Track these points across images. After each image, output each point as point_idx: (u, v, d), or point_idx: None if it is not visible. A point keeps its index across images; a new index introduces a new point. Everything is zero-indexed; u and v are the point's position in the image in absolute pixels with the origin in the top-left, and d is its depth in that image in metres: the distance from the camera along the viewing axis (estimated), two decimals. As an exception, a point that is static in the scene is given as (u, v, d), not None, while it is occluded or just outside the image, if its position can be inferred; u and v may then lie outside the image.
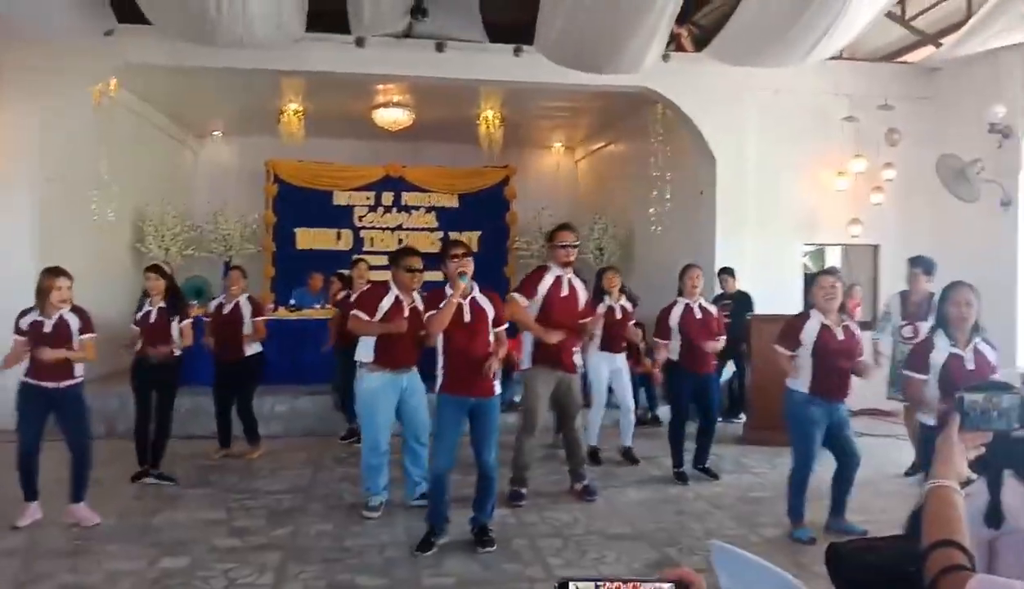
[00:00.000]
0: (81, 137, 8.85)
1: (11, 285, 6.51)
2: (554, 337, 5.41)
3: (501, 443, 4.95)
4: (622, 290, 7.09)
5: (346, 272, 8.50)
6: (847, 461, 5.05)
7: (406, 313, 5.21)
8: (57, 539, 4.77)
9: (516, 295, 5.55)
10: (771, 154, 8.99)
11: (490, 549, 4.57)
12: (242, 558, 4.47)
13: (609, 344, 6.82)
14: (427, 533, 4.62)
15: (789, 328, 5.07)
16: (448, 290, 4.68)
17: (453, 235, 12.52)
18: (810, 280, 5.65)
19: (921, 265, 6.56)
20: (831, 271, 5.33)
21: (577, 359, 5.75)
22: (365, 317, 5.22)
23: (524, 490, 5.64)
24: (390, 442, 5.37)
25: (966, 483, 1.60)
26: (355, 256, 8.33)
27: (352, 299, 7.40)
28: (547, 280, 5.56)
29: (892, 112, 9.00)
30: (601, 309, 6.74)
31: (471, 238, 12.48)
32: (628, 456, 6.90)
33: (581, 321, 5.74)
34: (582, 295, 5.71)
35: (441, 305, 4.61)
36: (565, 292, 5.57)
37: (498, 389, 4.71)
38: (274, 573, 4.25)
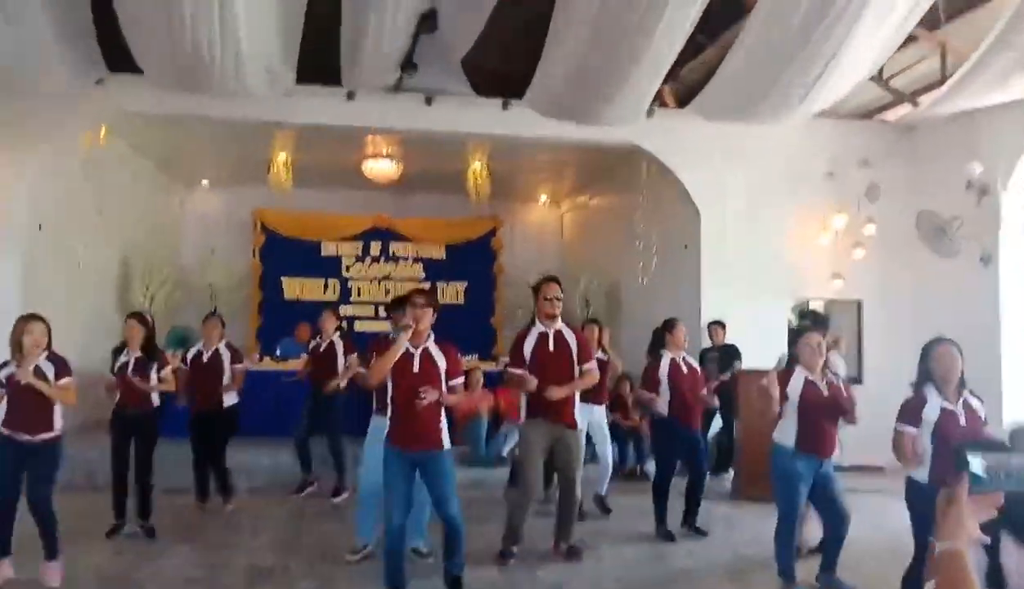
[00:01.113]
0: (70, 185, 8.86)
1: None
2: (557, 393, 5.26)
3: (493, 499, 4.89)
4: (601, 344, 7.10)
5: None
6: (836, 522, 5.03)
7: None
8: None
9: (510, 369, 5.54)
10: (754, 209, 9.13)
11: None
12: (224, 618, 4.35)
13: (589, 396, 6.79)
14: None
15: (781, 375, 5.09)
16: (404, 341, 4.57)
17: (440, 286, 12.60)
18: (795, 336, 5.69)
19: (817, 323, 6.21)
20: (817, 326, 5.38)
21: (579, 416, 5.56)
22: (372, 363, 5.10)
23: (515, 548, 5.52)
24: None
25: (994, 544, 1.59)
26: (326, 307, 8.24)
27: (322, 349, 7.46)
28: (530, 341, 5.48)
29: (872, 169, 9.21)
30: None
31: (458, 290, 12.53)
32: (601, 505, 6.88)
33: (584, 367, 5.51)
34: (574, 346, 5.52)
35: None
36: (552, 347, 5.45)
37: (446, 443, 4.57)
38: (257, 634, 4.14)
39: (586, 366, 5.53)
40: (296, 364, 9.09)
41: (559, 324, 5.54)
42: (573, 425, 5.49)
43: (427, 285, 12.68)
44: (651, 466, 7.91)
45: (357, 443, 5.94)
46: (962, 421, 4.32)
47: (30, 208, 8.17)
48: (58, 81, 7.50)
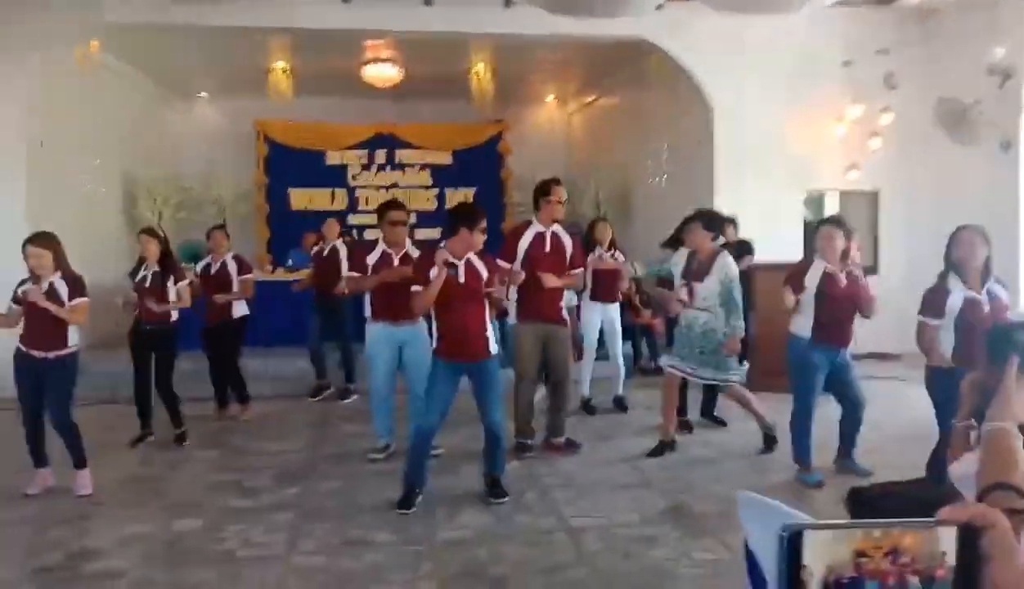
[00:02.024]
0: (67, 101, 8.68)
1: (3, 253, 6.41)
2: (551, 281, 5.36)
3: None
4: (613, 242, 7.05)
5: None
6: (852, 407, 5.14)
7: (396, 263, 5.33)
8: (68, 506, 4.74)
9: (503, 262, 5.44)
10: (768, 102, 8.87)
11: (503, 500, 4.60)
12: (255, 518, 4.47)
13: (601, 294, 6.79)
14: (406, 490, 4.55)
15: (794, 272, 5.10)
16: (439, 254, 4.54)
17: (448, 192, 12.46)
18: (812, 230, 5.61)
19: (700, 218, 5.61)
20: (832, 220, 5.32)
21: (591, 313, 5.71)
22: (356, 274, 5.48)
23: (530, 441, 5.66)
24: (394, 390, 5.54)
25: None
26: (332, 217, 8.25)
27: (325, 254, 7.52)
28: (527, 237, 5.49)
29: (889, 57, 8.88)
30: (591, 260, 6.68)
31: (467, 195, 12.39)
32: (619, 404, 6.96)
33: (572, 272, 5.61)
34: (568, 247, 5.59)
35: (432, 275, 4.46)
36: (548, 248, 5.49)
37: (494, 349, 4.65)
38: (287, 532, 4.26)
39: (575, 271, 5.63)
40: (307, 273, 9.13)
41: (555, 225, 5.57)
42: (563, 322, 5.64)
43: (435, 192, 12.57)
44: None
45: (360, 349, 6.02)
46: (986, 309, 4.32)
47: (27, 126, 8.02)
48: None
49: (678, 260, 5.60)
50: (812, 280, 4.95)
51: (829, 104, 9.05)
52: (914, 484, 3.06)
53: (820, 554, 0.66)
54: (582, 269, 5.78)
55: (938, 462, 4.39)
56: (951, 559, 0.67)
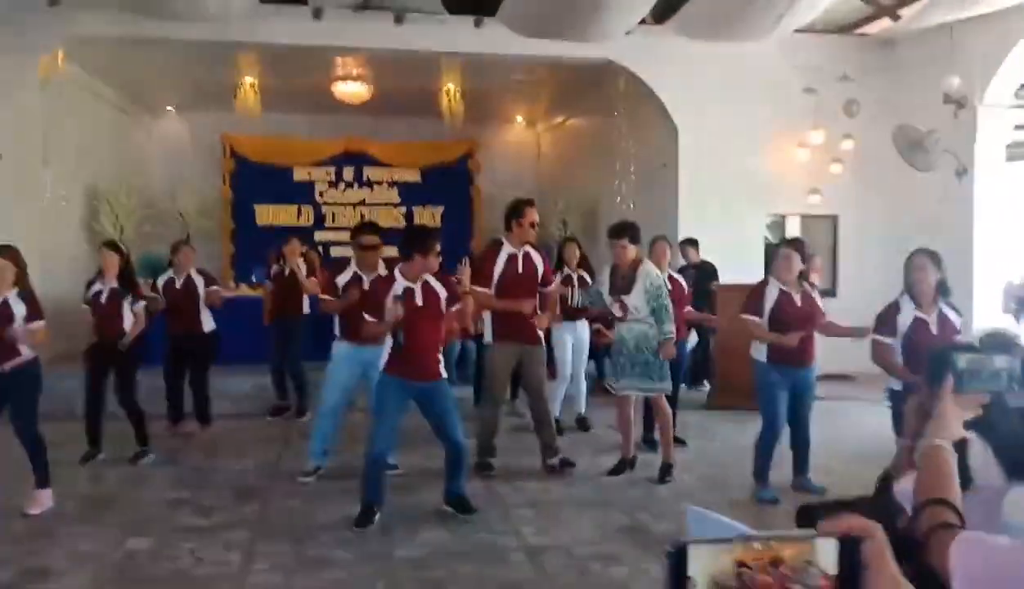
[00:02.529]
0: (28, 114, 8.55)
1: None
2: (527, 306, 5.40)
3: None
4: (581, 263, 7.11)
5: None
6: (799, 427, 5.25)
7: (366, 286, 5.17)
8: (18, 523, 4.63)
9: (476, 288, 5.58)
10: (733, 125, 9.05)
11: (469, 515, 4.61)
12: (209, 537, 4.40)
13: (573, 314, 6.84)
14: (364, 508, 4.52)
15: (752, 295, 5.20)
16: (397, 274, 4.60)
17: (416, 210, 12.46)
18: (772, 251, 5.73)
19: (627, 233, 5.50)
20: (791, 241, 5.46)
21: (564, 333, 5.80)
22: (327, 297, 5.46)
23: (492, 460, 5.64)
24: (342, 411, 5.53)
25: (960, 443, 1.61)
26: (295, 234, 8.14)
27: (286, 274, 7.47)
28: (500, 260, 5.49)
29: (851, 84, 9.12)
30: (559, 279, 6.72)
31: (434, 214, 12.40)
32: (581, 424, 6.99)
33: (546, 289, 5.70)
34: (540, 267, 5.63)
35: (388, 303, 4.46)
36: (521, 268, 5.51)
37: (443, 373, 4.69)
38: (241, 551, 4.19)
39: (547, 289, 5.72)
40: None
41: (526, 245, 5.58)
42: (539, 342, 5.67)
43: (403, 210, 12.56)
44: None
45: (319, 368, 5.97)
46: (934, 330, 4.45)
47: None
48: (8, 1, 7.18)
49: (603, 278, 5.64)
50: (768, 300, 5.06)
51: (792, 129, 9.25)
52: (862, 501, 3.10)
53: (705, 566, 0.69)
54: (555, 284, 5.84)
55: (889, 479, 4.49)
56: (830, 569, 0.70)
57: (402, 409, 4.62)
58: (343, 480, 5.33)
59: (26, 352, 4.79)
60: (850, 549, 0.71)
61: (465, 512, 4.64)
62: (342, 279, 5.42)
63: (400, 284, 4.60)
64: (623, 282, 5.40)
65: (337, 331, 5.51)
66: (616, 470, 5.56)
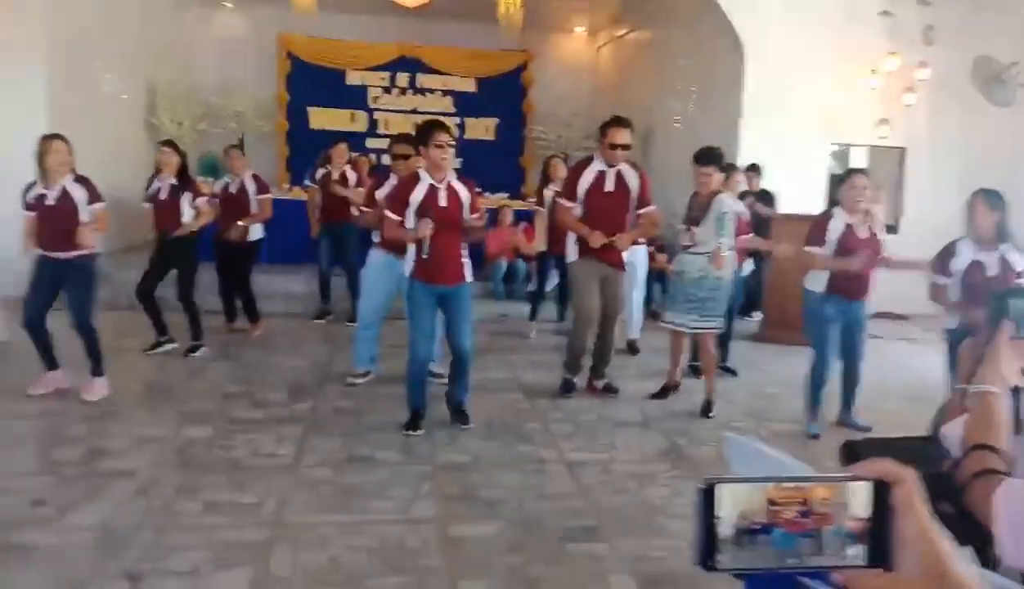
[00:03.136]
0: (89, 6, 8.57)
1: (26, 158, 6.45)
2: (597, 240, 5.12)
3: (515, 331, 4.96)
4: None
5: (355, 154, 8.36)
6: (851, 362, 5.16)
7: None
8: (84, 407, 4.88)
9: (562, 201, 5.37)
10: (801, 48, 8.66)
11: (465, 426, 4.73)
12: (263, 429, 4.60)
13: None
14: (412, 415, 4.69)
15: (816, 227, 5.02)
16: (423, 173, 4.55)
17: (469, 121, 12.33)
18: (840, 178, 5.49)
19: (716, 161, 5.30)
20: (861, 171, 5.22)
21: (626, 255, 5.42)
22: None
23: (575, 380, 5.62)
24: (382, 320, 5.62)
25: (1016, 390, 1.59)
26: (344, 139, 7.94)
27: (334, 178, 7.38)
28: (587, 176, 5.24)
29: (930, 8, 8.62)
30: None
31: (488, 126, 12.27)
32: (631, 347, 6.99)
33: (643, 210, 5.31)
34: (634, 188, 5.26)
35: (411, 202, 4.48)
36: (610, 187, 5.21)
37: (468, 277, 4.67)
38: (295, 444, 4.38)
39: (645, 210, 5.34)
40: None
41: (622, 165, 5.26)
42: (621, 267, 5.42)
43: (456, 121, 12.42)
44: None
45: None
46: (991, 271, 4.34)
47: (51, 29, 7.96)
48: None
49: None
50: (832, 232, 4.93)
51: (864, 55, 8.81)
52: (907, 441, 3.10)
53: (736, 502, 0.70)
54: (654, 207, 5.39)
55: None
56: (861, 512, 0.71)
57: (434, 311, 4.65)
58: (391, 384, 5.49)
59: (88, 243, 4.92)
60: (883, 493, 0.71)
61: (460, 422, 4.77)
62: (382, 192, 5.37)
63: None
64: (698, 211, 5.24)
65: (375, 237, 5.51)
66: (659, 394, 5.61)
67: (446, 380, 5.26)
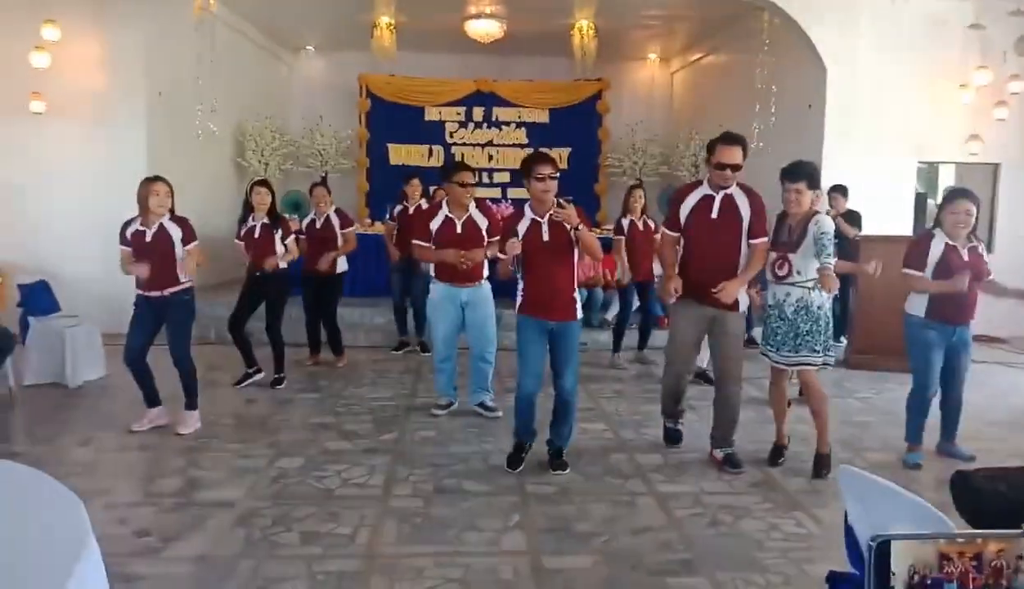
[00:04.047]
0: (183, 53, 9.04)
1: (126, 198, 6.79)
2: (671, 285, 4.54)
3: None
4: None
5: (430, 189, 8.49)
6: (952, 388, 4.93)
7: (458, 230, 5.36)
8: (182, 438, 5.07)
9: (664, 229, 4.83)
10: (886, 65, 8.45)
11: (561, 473, 4.49)
12: (353, 460, 4.67)
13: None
14: (516, 447, 4.62)
15: (915, 249, 4.82)
16: (527, 210, 4.45)
17: (544, 151, 12.40)
18: (944, 201, 5.22)
19: (806, 176, 4.55)
20: (964, 193, 4.90)
21: (742, 296, 4.59)
22: (423, 243, 5.47)
23: (679, 426, 5.10)
24: (455, 350, 5.68)
25: None
26: (414, 175, 8.15)
27: (410, 212, 7.58)
28: (690, 201, 4.57)
29: (1023, 19, 8.29)
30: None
31: (561, 155, 12.32)
32: (704, 376, 6.78)
33: (755, 241, 4.48)
34: (746, 215, 4.47)
35: (519, 232, 4.38)
36: (717, 213, 4.48)
37: (579, 314, 4.50)
38: (384, 475, 4.43)
39: (755, 241, 4.49)
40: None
41: (732, 188, 4.53)
42: (734, 306, 4.56)
43: (530, 151, 12.53)
44: (757, 332, 7.81)
45: None
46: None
47: (148, 76, 8.42)
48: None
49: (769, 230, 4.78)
50: (932, 255, 4.73)
51: (951, 69, 8.54)
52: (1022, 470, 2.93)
53: (906, 554, 0.68)
54: (766, 239, 4.54)
55: None
56: None
57: (544, 347, 4.52)
58: (473, 416, 5.53)
59: (184, 279, 5.13)
60: None
61: (558, 468, 4.53)
62: (435, 223, 5.42)
63: (443, 213, 5.37)
64: (790, 236, 4.50)
65: (432, 272, 5.61)
66: (772, 459, 4.82)
67: (499, 414, 5.45)
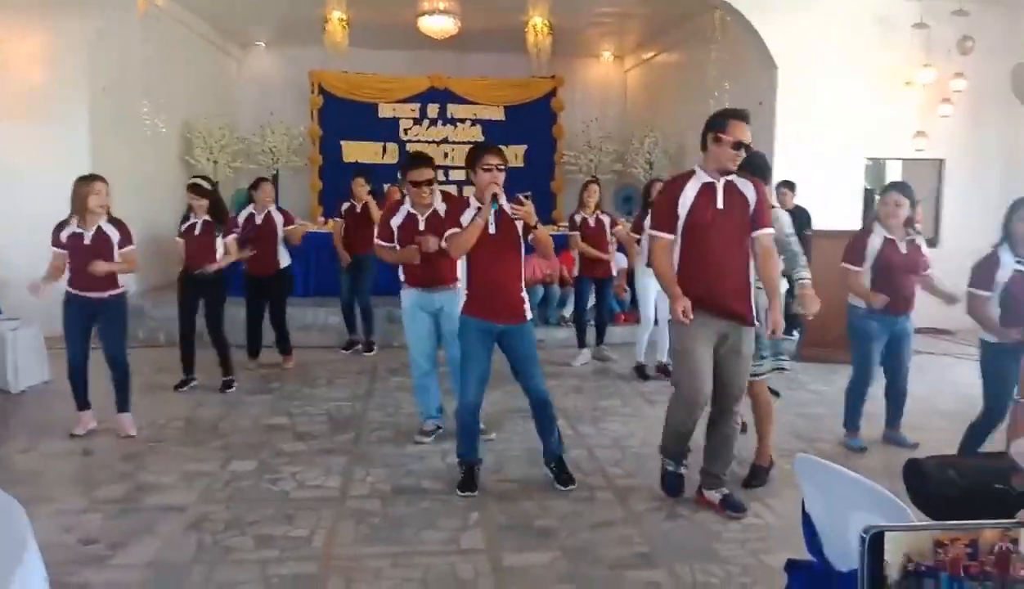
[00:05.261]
0: (128, 48, 8.81)
1: (67, 197, 6.59)
2: (679, 306, 3.68)
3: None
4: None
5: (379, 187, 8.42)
6: (894, 378, 5.10)
7: (421, 227, 4.84)
8: (128, 443, 4.93)
9: (656, 233, 3.88)
10: (834, 63, 8.61)
11: (571, 487, 4.18)
12: (308, 461, 4.59)
13: None
14: (466, 471, 4.21)
15: (854, 243, 4.98)
16: (472, 200, 4.17)
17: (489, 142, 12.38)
18: (879, 196, 5.39)
19: (747, 167, 4.00)
20: (898, 186, 5.07)
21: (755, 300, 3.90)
22: (384, 244, 4.97)
23: (682, 470, 4.17)
24: (436, 362, 5.06)
25: None
26: (362, 171, 8.01)
27: (357, 210, 7.52)
28: (689, 191, 3.79)
29: (965, 19, 8.52)
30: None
31: (517, 153, 12.30)
32: (664, 370, 6.84)
33: (759, 232, 3.81)
34: (752, 201, 3.80)
35: (462, 223, 4.07)
36: (721, 203, 3.76)
37: (528, 315, 4.20)
38: (341, 476, 4.36)
39: (761, 233, 3.81)
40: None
41: (731, 174, 3.83)
42: (748, 319, 3.83)
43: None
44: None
45: (393, 303, 6.03)
46: None
47: (91, 72, 8.17)
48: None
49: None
50: (871, 248, 4.86)
51: (899, 67, 8.74)
52: (976, 457, 3.01)
53: (900, 544, 0.67)
54: (770, 231, 3.86)
55: (978, 434, 4.36)
56: None
57: (489, 352, 4.19)
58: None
59: (121, 283, 5.03)
60: None
61: (564, 483, 4.21)
62: (396, 221, 4.95)
63: (405, 208, 4.94)
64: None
65: (401, 276, 5.06)
66: (749, 481, 4.37)
67: (492, 437, 5.00)
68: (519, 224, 4.10)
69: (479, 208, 4.04)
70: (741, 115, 3.78)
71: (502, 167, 4.10)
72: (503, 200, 4.06)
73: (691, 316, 3.66)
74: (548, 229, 4.99)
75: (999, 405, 4.30)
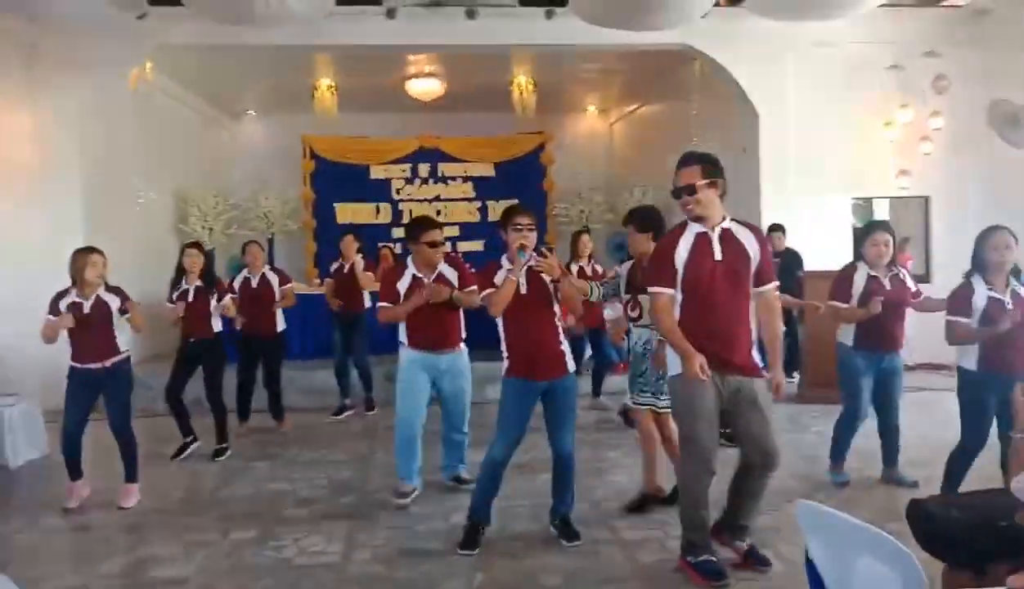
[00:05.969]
0: (120, 122, 8.96)
1: (63, 272, 6.63)
2: (695, 364, 3.52)
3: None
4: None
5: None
6: (885, 415, 5.14)
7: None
8: (126, 515, 4.88)
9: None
10: (814, 107, 8.81)
11: (576, 543, 4.16)
12: (310, 527, 4.55)
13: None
14: (470, 528, 4.17)
15: (840, 280, 5.09)
16: (504, 262, 4.19)
17: (490, 204, 12.53)
18: (862, 234, 5.48)
19: (633, 220, 4.69)
20: (880, 225, 5.18)
21: (756, 355, 3.75)
22: (388, 305, 4.92)
23: (711, 554, 3.77)
24: (423, 424, 5.00)
25: None
26: (351, 232, 8.03)
27: (345, 270, 7.58)
28: (683, 245, 3.66)
29: (939, 59, 8.74)
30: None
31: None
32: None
33: (762, 287, 3.71)
34: (755, 252, 3.66)
35: (496, 283, 4.09)
36: (719, 254, 3.62)
37: (571, 367, 4.20)
38: (343, 542, 4.31)
39: (766, 288, 3.72)
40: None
41: (726, 221, 3.69)
42: (754, 370, 3.70)
43: (477, 204, 12.64)
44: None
45: (389, 361, 5.98)
46: (1010, 307, 4.27)
47: (83, 148, 8.29)
48: (100, 17, 7.47)
49: (622, 272, 4.74)
50: (856, 285, 4.94)
51: (877, 108, 8.94)
52: (979, 495, 3.00)
53: None
54: (774, 286, 3.79)
55: (957, 467, 4.36)
56: None
57: (526, 415, 4.17)
58: (431, 474, 5.42)
59: (123, 349, 5.05)
60: None
61: (568, 539, 4.17)
62: (402, 284, 4.92)
63: (409, 272, 4.92)
64: (643, 278, 4.27)
65: (401, 337, 5.01)
66: (634, 505, 4.69)
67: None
68: (548, 281, 4.15)
69: (510, 269, 4.10)
70: (682, 161, 3.74)
71: (533, 227, 4.17)
72: (529, 254, 4.10)
73: (708, 373, 3.54)
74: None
75: (976, 434, 4.37)
